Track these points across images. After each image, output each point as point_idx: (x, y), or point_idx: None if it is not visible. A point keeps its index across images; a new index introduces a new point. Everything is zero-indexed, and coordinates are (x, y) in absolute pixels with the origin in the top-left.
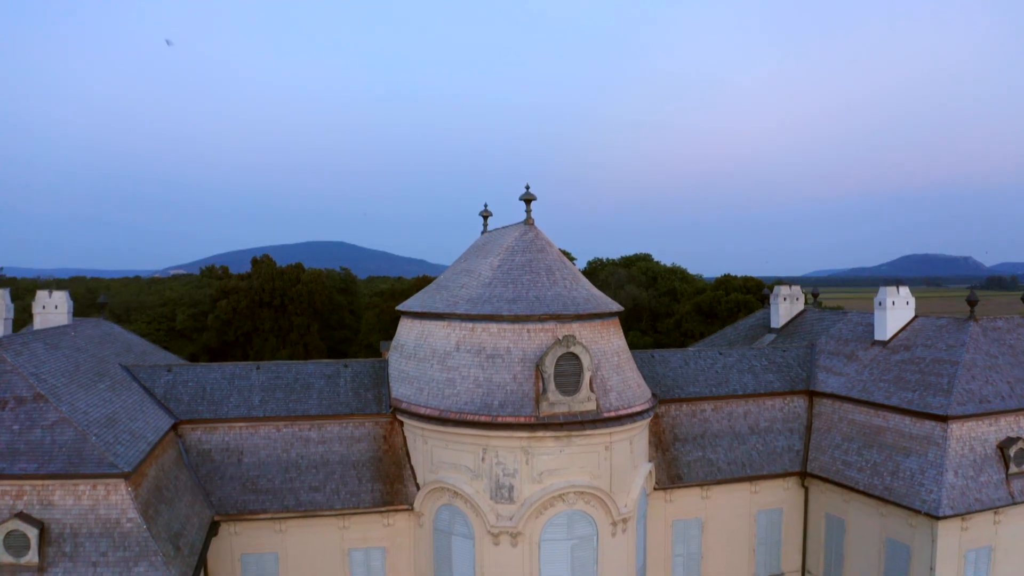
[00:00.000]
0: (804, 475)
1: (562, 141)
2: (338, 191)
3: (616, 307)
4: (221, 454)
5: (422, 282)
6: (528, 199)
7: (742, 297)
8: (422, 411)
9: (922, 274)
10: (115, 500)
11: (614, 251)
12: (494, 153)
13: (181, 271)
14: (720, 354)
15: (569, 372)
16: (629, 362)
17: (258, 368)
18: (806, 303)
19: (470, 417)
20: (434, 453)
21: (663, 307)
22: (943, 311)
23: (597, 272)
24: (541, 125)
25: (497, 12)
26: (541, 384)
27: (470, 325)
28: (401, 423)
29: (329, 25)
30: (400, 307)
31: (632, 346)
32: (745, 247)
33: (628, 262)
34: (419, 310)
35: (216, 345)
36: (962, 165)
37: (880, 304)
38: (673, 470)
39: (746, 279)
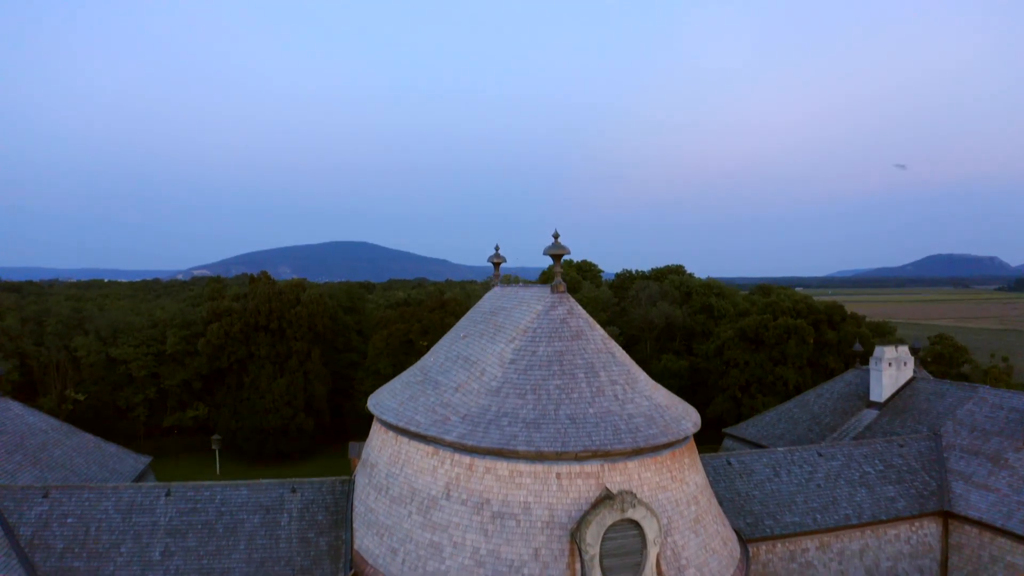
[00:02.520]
0: None
1: (585, 138)
2: (362, 191)
3: (692, 423)
4: None
5: (439, 299)
6: (557, 254)
7: (791, 322)
8: None
9: (947, 275)
10: None
11: (639, 258)
12: (518, 151)
13: (206, 272)
14: (820, 455)
15: (625, 549)
16: (711, 506)
17: (168, 495)
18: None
19: None
20: None
21: (698, 325)
22: (972, 315)
23: (626, 286)
24: (565, 123)
25: (523, 6)
26: (579, 567)
27: (467, 460)
28: None
29: (353, 24)
30: (370, 404)
31: (666, 371)
32: (767, 246)
33: (659, 275)
34: (393, 422)
35: (208, 372)
36: (988, 163)
37: None
38: None
39: (795, 301)
